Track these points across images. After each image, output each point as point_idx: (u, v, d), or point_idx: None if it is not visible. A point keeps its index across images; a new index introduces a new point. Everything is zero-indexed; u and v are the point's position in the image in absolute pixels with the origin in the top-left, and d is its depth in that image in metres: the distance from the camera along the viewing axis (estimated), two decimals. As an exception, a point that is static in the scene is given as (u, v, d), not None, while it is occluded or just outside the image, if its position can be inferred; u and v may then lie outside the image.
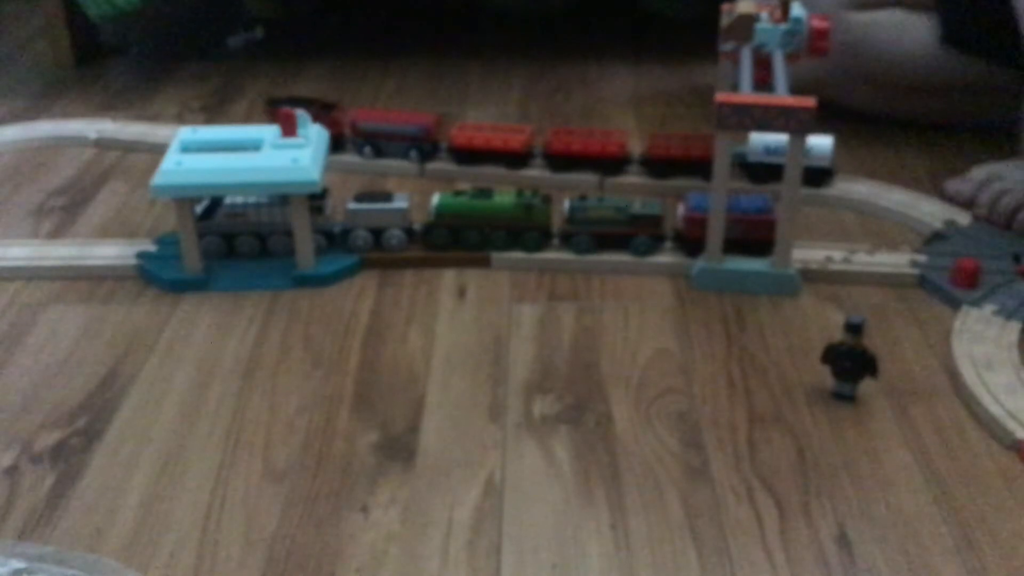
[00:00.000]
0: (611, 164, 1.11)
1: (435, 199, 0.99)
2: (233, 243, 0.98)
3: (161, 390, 0.81)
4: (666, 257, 0.97)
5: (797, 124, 0.88)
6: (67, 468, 0.73)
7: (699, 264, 0.94)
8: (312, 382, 0.82)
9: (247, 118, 1.33)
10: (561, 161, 1.12)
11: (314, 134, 0.97)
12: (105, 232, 1.05)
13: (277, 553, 0.66)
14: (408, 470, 0.73)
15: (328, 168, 0.98)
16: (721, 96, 0.89)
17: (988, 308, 0.89)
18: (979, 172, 1.08)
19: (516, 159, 1.13)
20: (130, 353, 0.86)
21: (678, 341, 0.87)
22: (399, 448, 0.75)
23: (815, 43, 1.01)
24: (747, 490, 0.71)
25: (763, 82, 0.95)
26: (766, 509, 0.69)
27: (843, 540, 0.67)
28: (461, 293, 0.94)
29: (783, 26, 1.00)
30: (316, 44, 1.60)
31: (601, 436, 0.76)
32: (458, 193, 1.01)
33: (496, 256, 0.98)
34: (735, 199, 0.95)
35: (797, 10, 1.01)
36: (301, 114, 0.96)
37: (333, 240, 0.99)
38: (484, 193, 1.00)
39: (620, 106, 1.36)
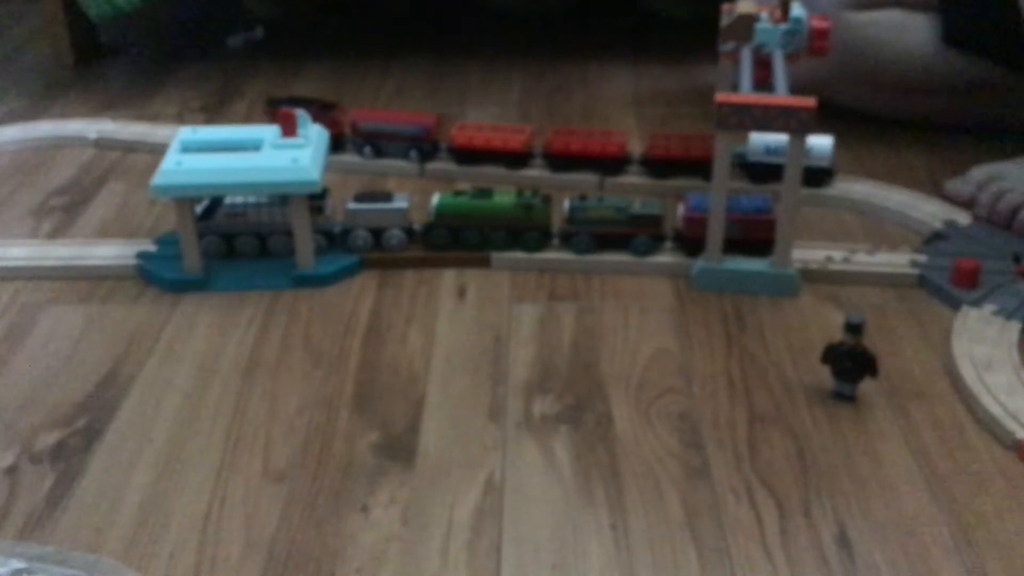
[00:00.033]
0: (611, 164, 1.11)
1: (435, 199, 0.99)
2: (233, 243, 0.98)
3: (161, 390, 0.81)
4: (666, 257, 0.97)
5: (797, 124, 0.88)
6: (67, 468, 0.73)
7: (699, 264, 0.94)
8: (312, 382, 0.82)
9: (247, 118, 1.33)
10: (561, 161, 1.12)
11: (314, 134, 0.97)
12: (105, 232, 1.05)
13: (277, 553, 0.66)
14: (408, 470, 0.73)
15: (328, 168, 0.98)
16: (721, 96, 0.89)
17: (988, 308, 0.89)
18: (979, 172, 1.08)
19: (516, 159, 1.13)
20: (130, 353, 0.86)
21: (678, 341, 0.87)
22: (399, 448, 0.75)
23: (815, 43, 1.01)
24: (747, 490, 0.71)
25: (763, 82, 0.95)
26: (766, 509, 0.69)
27: (843, 540, 0.67)
28: (461, 293, 0.94)
29: (783, 26, 1.00)
30: (316, 44, 1.60)
31: (601, 436, 0.76)
32: (458, 193, 1.01)
33: (496, 256, 0.98)
34: (735, 199, 0.95)
35: (797, 10, 1.01)
36: (301, 114, 0.96)
37: (333, 240, 0.99)
38: (484, 193, 1.00)
39: (620, 106, 1.36)
